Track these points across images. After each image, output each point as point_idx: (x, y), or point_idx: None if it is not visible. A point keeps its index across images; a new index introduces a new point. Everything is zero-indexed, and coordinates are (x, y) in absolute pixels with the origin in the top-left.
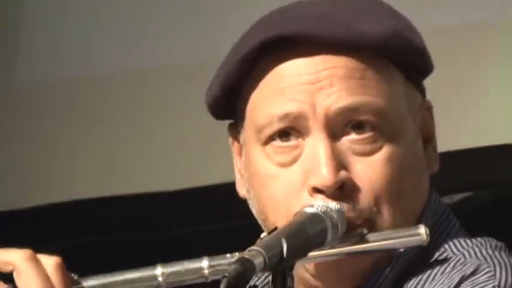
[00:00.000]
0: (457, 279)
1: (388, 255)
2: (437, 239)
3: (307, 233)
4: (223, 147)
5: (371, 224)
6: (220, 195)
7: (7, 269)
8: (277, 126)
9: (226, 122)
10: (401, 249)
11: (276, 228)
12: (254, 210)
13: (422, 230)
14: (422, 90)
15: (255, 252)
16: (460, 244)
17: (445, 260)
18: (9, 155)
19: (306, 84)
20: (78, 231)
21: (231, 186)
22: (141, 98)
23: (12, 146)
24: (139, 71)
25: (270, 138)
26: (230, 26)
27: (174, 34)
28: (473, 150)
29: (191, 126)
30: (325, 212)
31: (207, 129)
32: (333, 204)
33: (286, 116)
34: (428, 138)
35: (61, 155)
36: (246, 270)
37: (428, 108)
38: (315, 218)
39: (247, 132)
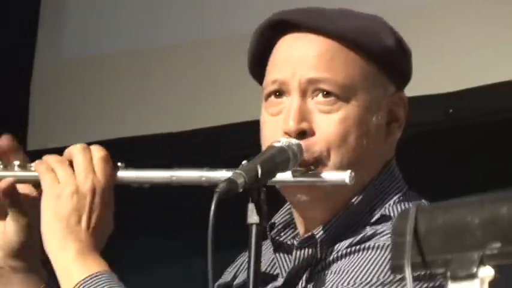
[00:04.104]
0: (368, 229)
1: (344, 205)
2: (383, 199)
3: (275, 161)
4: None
5: (320, 164)
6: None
7: (70, 158)
8: (270, 88)
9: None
10: (354, 201)
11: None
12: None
13: (347, 173)
14: (396, 83)
15: (238, 174)
16: (396, 206)
17: (378, 218)
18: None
19: (294, 59)
20: None
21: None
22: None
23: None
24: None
25: (268, 95)
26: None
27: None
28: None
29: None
30: (288, 146)
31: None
32: (294, 140)
33: (275, 81)
34: (395, 119)
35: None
36: (231, 187)
37: (401, 98)
38: (281, 150)
39: (263, 89)
